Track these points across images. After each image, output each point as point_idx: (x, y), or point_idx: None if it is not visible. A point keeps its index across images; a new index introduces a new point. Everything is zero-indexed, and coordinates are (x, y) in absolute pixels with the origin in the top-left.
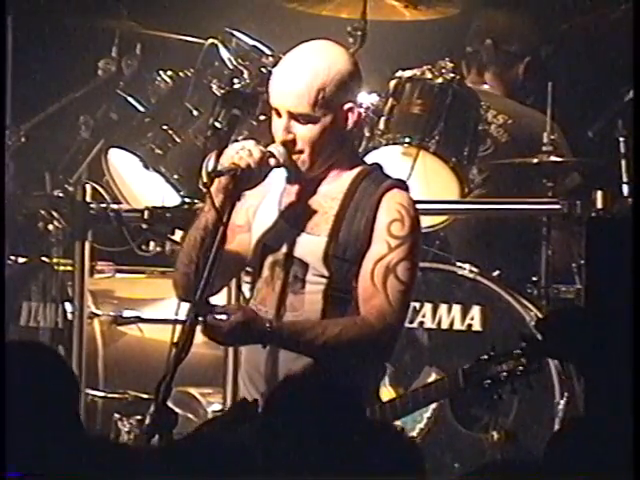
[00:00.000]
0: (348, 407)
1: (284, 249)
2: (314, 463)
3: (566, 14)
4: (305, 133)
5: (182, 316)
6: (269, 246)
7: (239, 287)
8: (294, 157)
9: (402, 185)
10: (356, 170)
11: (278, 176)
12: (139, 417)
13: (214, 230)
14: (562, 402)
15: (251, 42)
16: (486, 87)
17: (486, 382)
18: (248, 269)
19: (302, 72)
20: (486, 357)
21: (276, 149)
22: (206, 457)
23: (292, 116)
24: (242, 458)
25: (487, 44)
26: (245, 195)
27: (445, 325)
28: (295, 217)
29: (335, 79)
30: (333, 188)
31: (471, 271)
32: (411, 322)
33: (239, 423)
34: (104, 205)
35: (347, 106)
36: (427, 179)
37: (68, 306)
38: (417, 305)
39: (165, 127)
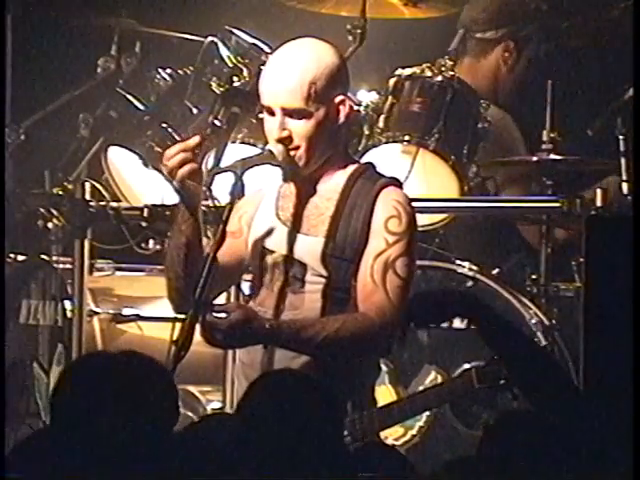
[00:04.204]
0: (324, 409)
1: (283, 251)
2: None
3: (566, 12)
4: (300, 128)
5: (182, 314)
6: (268, 249)
7: (238, 286)
8: (291, 154)
9: (397, 183)
10: (350, 169)
11: (271, 182)
12: None
13: (196, 240)
14: None
15: (251, 40)
16: None
17: (501, 382)
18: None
19: (292, 68)
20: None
21: (275, 147)
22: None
23: (286, 112)
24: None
25: None
26: (238, 203)
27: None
28: (292, 219)
29: (325, 73)
30: (328, 188)
31: (470, 269)
32: None
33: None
34: (103, 203)
35: (338, 99)
36: (426, 177)
37: (68, 304)
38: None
39: (165, 125)
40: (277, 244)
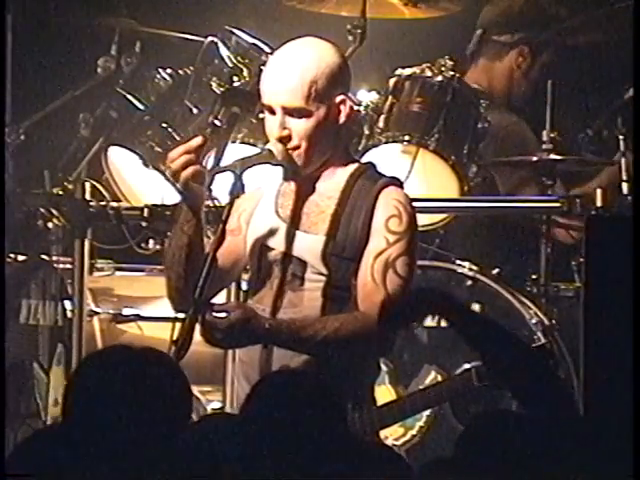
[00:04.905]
0: (328, 409)
1: (282, 248)
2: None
3: (566, 12)
4: (300, 128)
5: (181, 314)
6: (267, 246)
7: (238, 285)
8: (291, 153)
9: (398, 182)
10: (350, 168)
11: (271, 179)
12: None
13: (198, 240)
14: None
15: (251, 40)
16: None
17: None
18: (247, 267)
19: (293, 67)
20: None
21: (274, 147)
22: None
23: (286, 111)
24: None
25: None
26: (237, 201)
27: (445, 323)
28: (292, 216)
29: (325, 72)
30: (329, 186)
31: (471, 269)
32: None
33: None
34: (104, 203)
35: (339, 99)
36: (426, 177)
37: (68, 304)
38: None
39: (165, 125)
40: (276, 241)
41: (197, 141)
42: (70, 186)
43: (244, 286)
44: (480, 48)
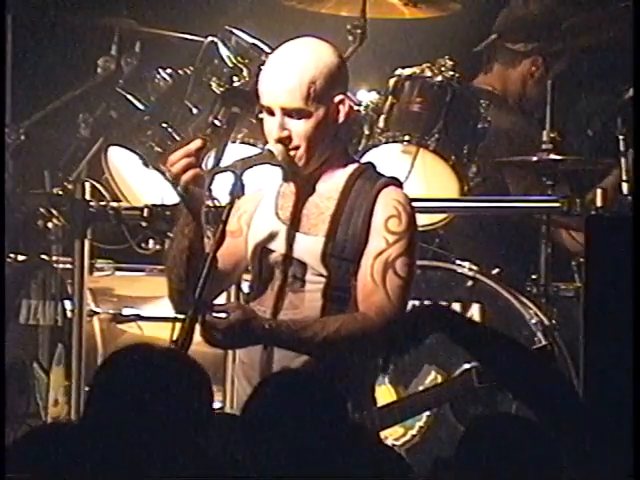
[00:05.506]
0: (331, 410)
1: (282, 250)
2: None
3: (566, 12)
4: (300, 128)
5: (182, 314)
6: (267, 248)
7: (238, 285)
8: (291, 154)
9: (397, 182)
10: (350, 168)
11: (271, 181)
12: None
13: (198, 242)
14: None
15: (250, 40)
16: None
17: None
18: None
19: (291, 68)
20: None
21: (274, 147)
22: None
23: (285, 112)
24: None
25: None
26: (238, 202)
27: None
28: (292, 218)
29: (324, 72)
30: (328, 187)
31: (470, 269)
32: None
33: None
34: (104, 203)
35: (338, 98)
36: (426, 177)
37: (68, 304)
38: (417, 303)
39: (165, 125)
40: (277, 243)
41: (197, 144)
42: (70, 186)
43: (245, 288)
44: (494, 54)
